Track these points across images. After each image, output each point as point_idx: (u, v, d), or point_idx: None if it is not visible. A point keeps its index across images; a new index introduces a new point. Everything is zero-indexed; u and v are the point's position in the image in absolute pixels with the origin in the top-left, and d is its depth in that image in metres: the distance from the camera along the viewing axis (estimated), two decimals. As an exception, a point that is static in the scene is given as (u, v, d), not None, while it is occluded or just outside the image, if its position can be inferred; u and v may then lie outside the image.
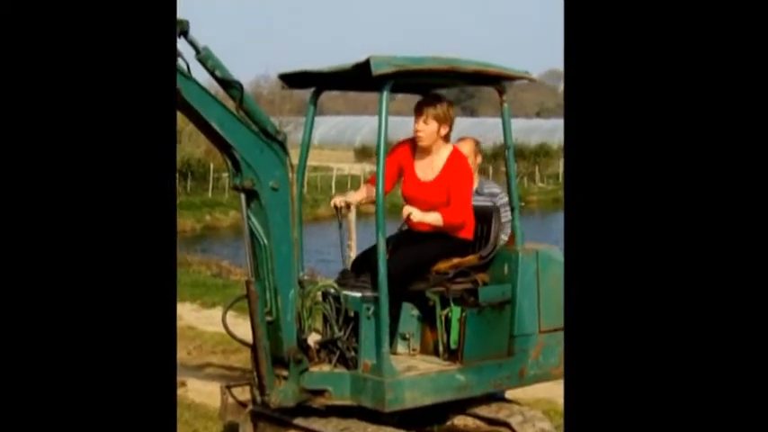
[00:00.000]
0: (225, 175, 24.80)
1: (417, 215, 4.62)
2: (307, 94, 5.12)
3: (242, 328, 5.04)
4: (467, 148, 5.32)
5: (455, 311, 4.65)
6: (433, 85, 4.94)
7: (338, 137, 56.32)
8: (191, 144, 31.16)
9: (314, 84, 4.99)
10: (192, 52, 4.09)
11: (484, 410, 4.81)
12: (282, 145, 4.34)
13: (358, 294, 4.50)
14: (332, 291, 4.57)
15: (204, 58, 4.11)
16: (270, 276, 4.35)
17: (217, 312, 9.12)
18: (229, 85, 4.21)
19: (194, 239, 22.48)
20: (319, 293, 4.57)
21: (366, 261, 4.72)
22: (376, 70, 4.24)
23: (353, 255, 5.94)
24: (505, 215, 5.13)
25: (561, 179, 36.83)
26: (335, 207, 4.93)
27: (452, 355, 4.66)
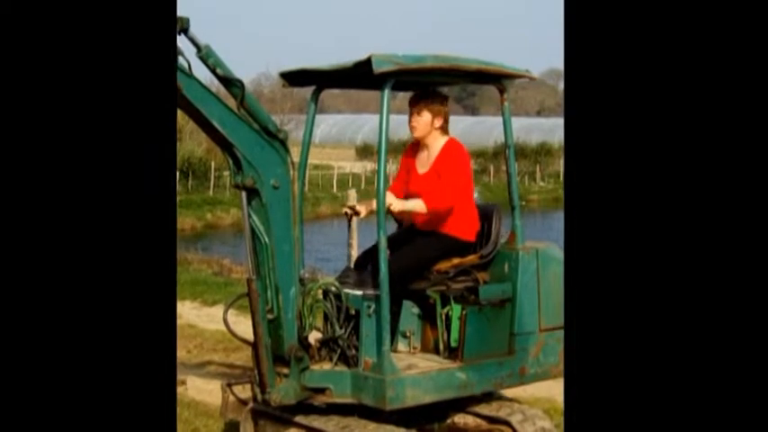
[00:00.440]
0: (226, 173, 24.85)
1: (397, 204, 4.57)
2: (308, 92, 5.12)
3: (243, 326, 5.05)
4: None
5: (456, 310, 4.66)
6: (434, 84, 4.94)
7: (339, 135, 56.35)
8: (191, 142, 31.16)
9: (315, 82, 5.00)
10: (194, 50, 4.09)
11: (484, 409, 4.82)
12: (283, 143, 4.35)
13: (359, 292, 4.50)
14: (333, 289, 4.57)
15: (205, 55, 4.11)
16: (271, 274, 4.35)
17: (217, 310, 9.13)
18: (230, 83, 4.21)
19: (195, 237, 22.46)
20: (320, 291, 4.57)
21: (367, 259, 4.73)
22: (377, 68, 4.24)
23: (355, 253, 5.96)
24: None
25: (562, 178, 36.81)
26: (346, 214, 5.04)
27: (453, 353, 4.66)
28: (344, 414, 4.50)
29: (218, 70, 4.16)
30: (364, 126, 53.78)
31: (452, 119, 5.08)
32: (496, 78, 4.84)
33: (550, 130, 50.17)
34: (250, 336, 4.43)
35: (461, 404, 4.80)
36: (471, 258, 4.81)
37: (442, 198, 4.63)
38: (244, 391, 4.82)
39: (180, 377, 6.43)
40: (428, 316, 4.80)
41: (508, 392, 5.18)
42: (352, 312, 4.51)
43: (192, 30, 4.00)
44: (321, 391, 4.48)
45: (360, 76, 4.49)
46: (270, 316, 4.38)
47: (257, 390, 4.45)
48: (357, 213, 5.01)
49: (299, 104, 38.85)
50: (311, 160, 5.53)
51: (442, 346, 4.71)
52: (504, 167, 5.63)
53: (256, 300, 4.31)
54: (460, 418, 4.84)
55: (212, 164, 30.00)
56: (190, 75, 3.98)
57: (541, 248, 4.90)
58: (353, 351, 4.49)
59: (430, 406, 4.59)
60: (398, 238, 4.81)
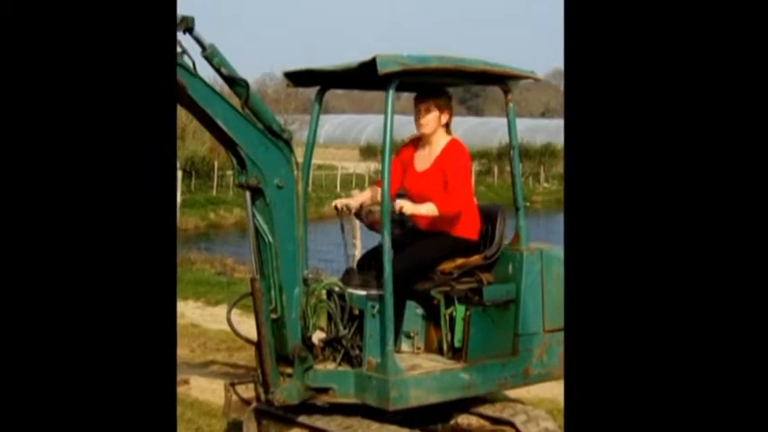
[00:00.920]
0: (229, 172, 24.84)
1: (409, 207, 4.53)
2: (312, 92, 5.12)
3: (246, 325, 5.05)
4: None
5: (459, 310, 4.66)
6: (438, 84, 4.94)
7: (343, 135, 56.28)
8: (195, 141, 31.14)
9: (319, 82, 5.00)
10: (198, 49, 4.09)
11: (488, 409, 4.81)
12: (288, 143, 4.35)
13: (363, 292, 4.50)
14: (336, 289, 4.57)
15: (210, 55, 4.12)
16: (275, 274, 4.35)
17: (221, 310, 9.12)
18: (235, 82, 4.22)
19: (198, 237, 22.45)
20: (324, 291, 4.57)
21: (371, 260, 4.72)
22: (382, 69, 4.24)
23: (359, 253, 5.94)
24: None
25: (566, 179, 36.69)
26: (336, 208, 4.95)
27: (456, 353, 4.66)
28: (348, 414, 4.50)
29: (223, 70, 4.17)
30: (368, 126, 53.70)
31: (456, 120, 5.09)
32: (501, 79, 4.84)
33: (555, 131, 50.04)
34: (253, 335, 4.43)
35: (465, 405, 4.79)
36: (475, 259, 4.80)
37: (454, 202, 4.64)
38: (247, 391, 4.82)
39: (183, 377, 6.43)
40: (432, 316, 4.79)
41: (512, 393, 5.18)
42: (356, 312, 4.51)
43: (197, 30, 4.01)
44: (324, 391, 4.48)
45: (364, 77, 4.49)
46: (273, 316, 4.38)
47: (260, 389, 4.45)
48: (350, 211, 4.97)
49: (303, 105, 38.80)
50: (315, 160, 5.52)
51: (445, 347, 4.71)
52: (508, 168, 5.64)
53: (260, 299, 4.30)
54: (464, 419, 4.84)
55: (215, 163, 29.98)
56: (194, 74, 3.98)
57: (545, 249, 4.90)
58: (357, 351, 4.48)
59: (433, 406, 4.59)
60: (402, 239, 4.81)
